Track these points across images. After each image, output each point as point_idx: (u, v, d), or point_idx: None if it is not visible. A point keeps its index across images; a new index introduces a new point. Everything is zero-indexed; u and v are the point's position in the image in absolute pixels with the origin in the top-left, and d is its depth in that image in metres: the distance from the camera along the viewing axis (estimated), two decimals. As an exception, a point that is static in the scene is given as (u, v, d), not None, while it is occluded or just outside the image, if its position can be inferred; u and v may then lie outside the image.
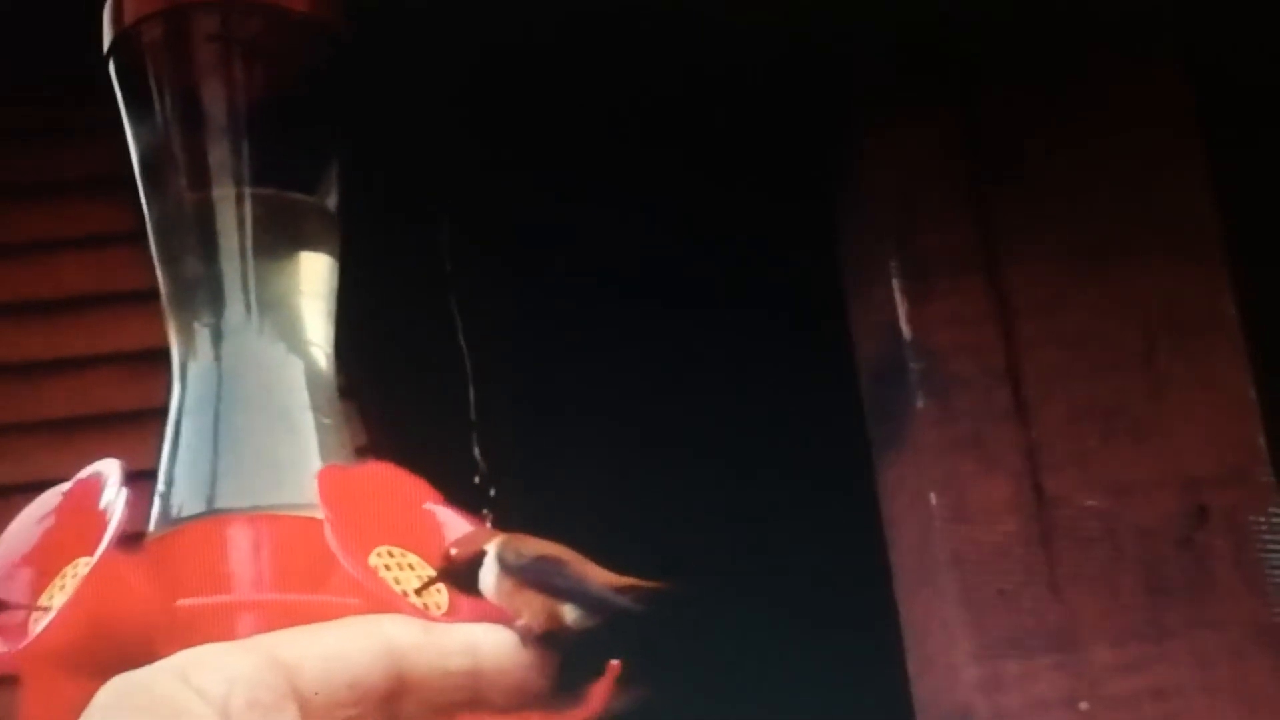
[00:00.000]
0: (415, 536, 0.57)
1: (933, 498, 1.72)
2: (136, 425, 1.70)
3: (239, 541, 0.57)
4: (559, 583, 0.51)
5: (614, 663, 0.51)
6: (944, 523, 1.71)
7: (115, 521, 0.53)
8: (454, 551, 0.54)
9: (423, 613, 0.53)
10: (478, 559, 0.53)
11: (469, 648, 0.46)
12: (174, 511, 0.58)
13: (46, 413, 2.04)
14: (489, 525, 0.58)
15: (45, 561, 0.55)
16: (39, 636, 0.53)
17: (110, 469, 0.56)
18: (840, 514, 2.25)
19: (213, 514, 0.58)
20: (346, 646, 0.43)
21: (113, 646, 0.44)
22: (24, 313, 2.08)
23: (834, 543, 2.40)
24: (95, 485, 0.56)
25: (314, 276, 0.62)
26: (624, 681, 0.51)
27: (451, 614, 0.54)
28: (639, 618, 0.51)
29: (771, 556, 2.59)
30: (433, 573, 0.55)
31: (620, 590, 0.51)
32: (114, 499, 0.54)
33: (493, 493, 1.96)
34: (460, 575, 0.54)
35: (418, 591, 0.55)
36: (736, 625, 2.52)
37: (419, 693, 0.44)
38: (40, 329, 2.07)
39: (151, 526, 0.58)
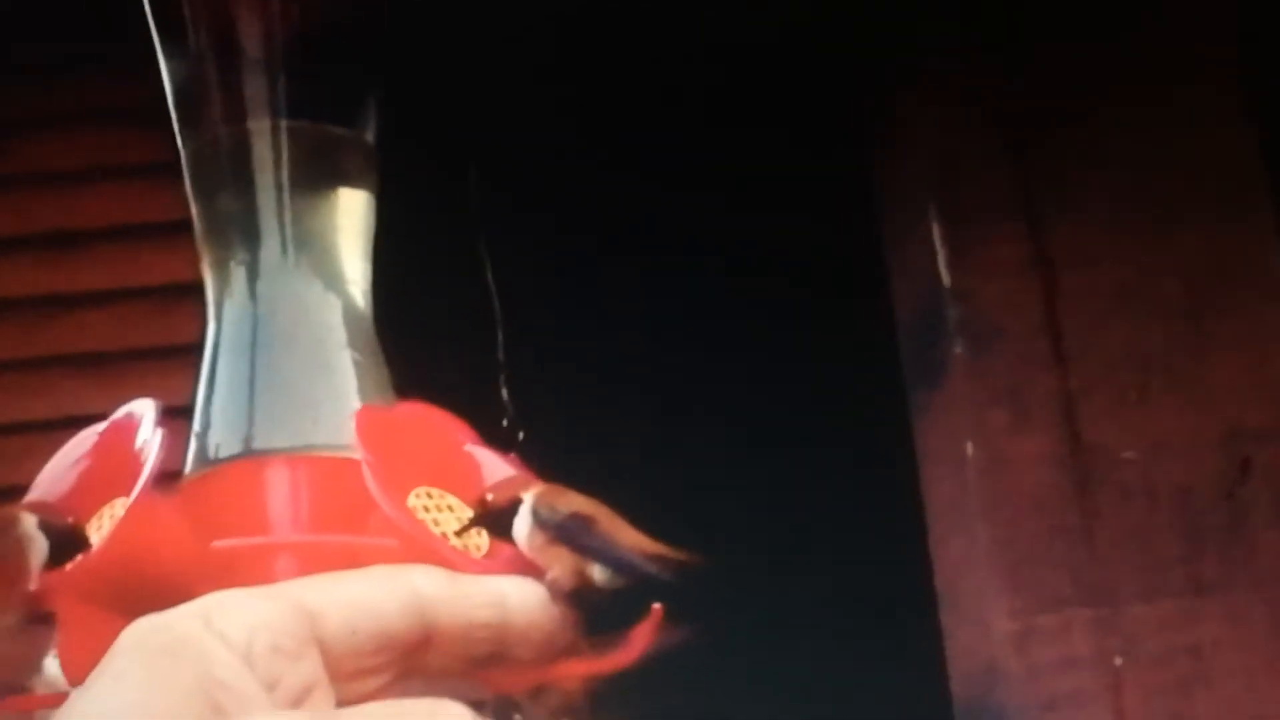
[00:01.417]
0: (454, 478, 0.56)
1: (969, 448, 1.72)
2: (170, 360, 1.70)
3: (277, 483, 0.57)
4: (588, 542, 0.51)
5: (657, 606, 0.51)
6: (979, 473, 1.71)
7: (151, 462, 0.53)
8: (491, 497, 0.54)
9: (462, 554, 0.53)
10: (514, 507, 0.53)
11: (496, 600, 0.46)
12: (211, 452, 0.58)
13: (78, 348, 2.05)
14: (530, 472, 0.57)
15: (82, 503, 0.55)
16: (74, 576, 0.53)
17: (145, 409, 0.56)
18: (875, 465, 2.25)
19: (250, 455, 0.57)
20: (372, 595, 0.43)
21: (148, 587, 0.44)
22: (54, 246, 2.08)
23: (868, 495, 2.40)
24: (130, 425, 0.56)
25: (352, 212, 0.62)
26: (668, 625, 0.51)
27: (491, 558, 0.54)
28: (668, 584, 0.51)
29: (804, 508, 2.59)
30: (472, 515, 0.55)
31: (649, 557, 0.51)
32: (149, 439, 0.54)
33: (521, 436, 1.96)
34: (496, 521, 0.54)
35: (457, 533, 0.55)
36: (768, 577, 2.52)
37: (444, 644, 0.44)
38: (71, 262, 2.07)
39: (188, 467, 0.58)
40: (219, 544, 0.54)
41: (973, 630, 1.71)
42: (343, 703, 0.40)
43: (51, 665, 0.54)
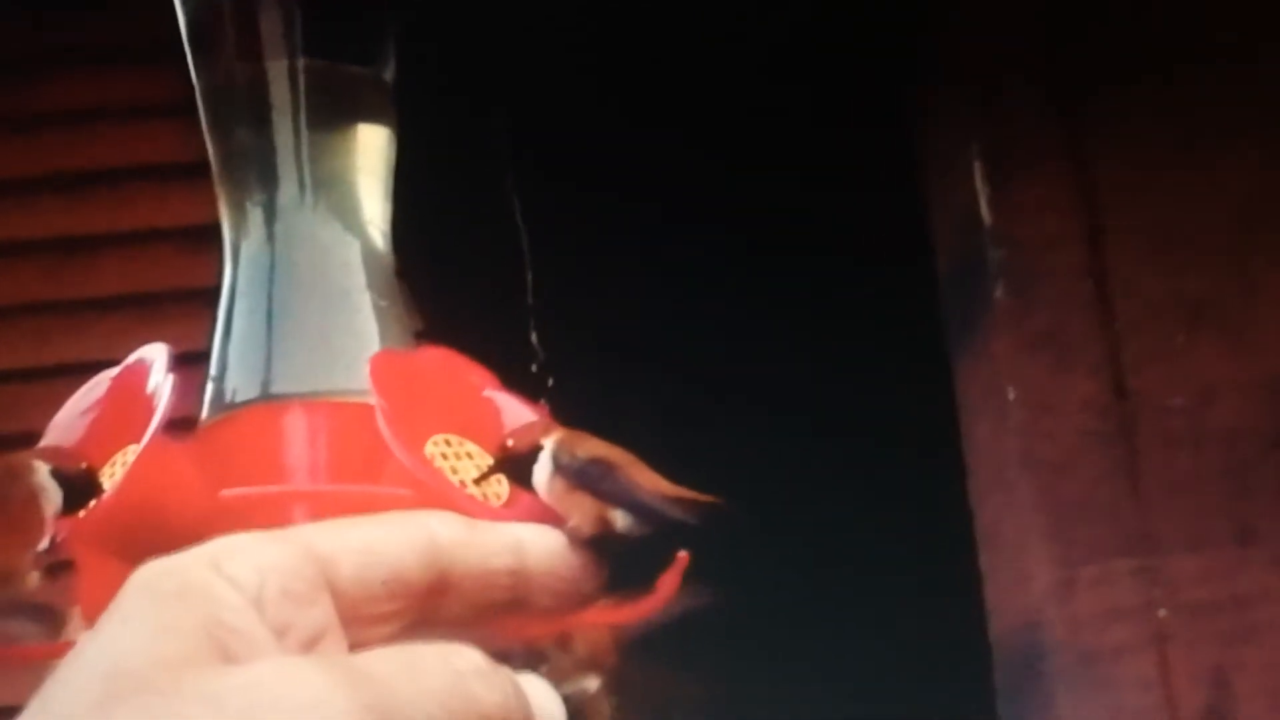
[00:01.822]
0: (474, 424, 0.56)
1: (1010, 393, 1.71)
2: (192, 304, 1.71)
3: (294, 428, 0.57)
4: (608, 488, 0.52)
5: (682, 554, 0.51)
6: (1021, 420, 1.70)
7: (162, 407, 0.53)
8: (511, 443, 0.54)
9: (480, 503, 0.53)
10: (534, 453, 0.53)
11: (514, 547, 0.46)
12: (227, 397, 0.58)
13: (97, 292, 2.06)
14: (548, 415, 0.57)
15: (95, 450, 0.55)
16: (85, 522, 0.53)
17: (157, 354, 0.56)
18: (913, 411, 2.24)
19: (267, 399, 0.58)
20: (386, 540, 0.43)
21: (159, 534, 0.44)
22: (72, 187, 2.08)
23: (906, 441, 2.40)
24: (142, 371, 0.56)
25: (370, 152, 0.62)
26: (698, 580, 0.51)
27: (510, 506, 0.54)
28: (693, 529, 0.51)
29: (841, 456, 2.59)
30: (491, 462, 0.55)
31: (672, 501, 0.51)
32: (161, 384, 0.54)
33: (551, 381, 1.97)
34: (516, 468, 0.54)
35: (476, 481, 0.55)
36: (801, 525, 2.52)
37: (461, 591, 0.44)
38: (89, 205, 2.07)
39: (204, 412, 0.58)
40: (227, 493, 0.54)
41: (1014, 581, 1.71)
42: (355, 649, 0.40)
43: (70, 620, 0.54)
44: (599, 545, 0.50)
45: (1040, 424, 1.70)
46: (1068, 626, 1.64)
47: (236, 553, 0.40)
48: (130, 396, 0.55)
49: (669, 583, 0.51)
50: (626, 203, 2.40)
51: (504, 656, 0.41)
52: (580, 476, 0.52)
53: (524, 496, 0.54)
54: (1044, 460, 1.69)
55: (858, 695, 2.64)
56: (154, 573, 0.40)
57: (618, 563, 0.51)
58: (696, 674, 2.60)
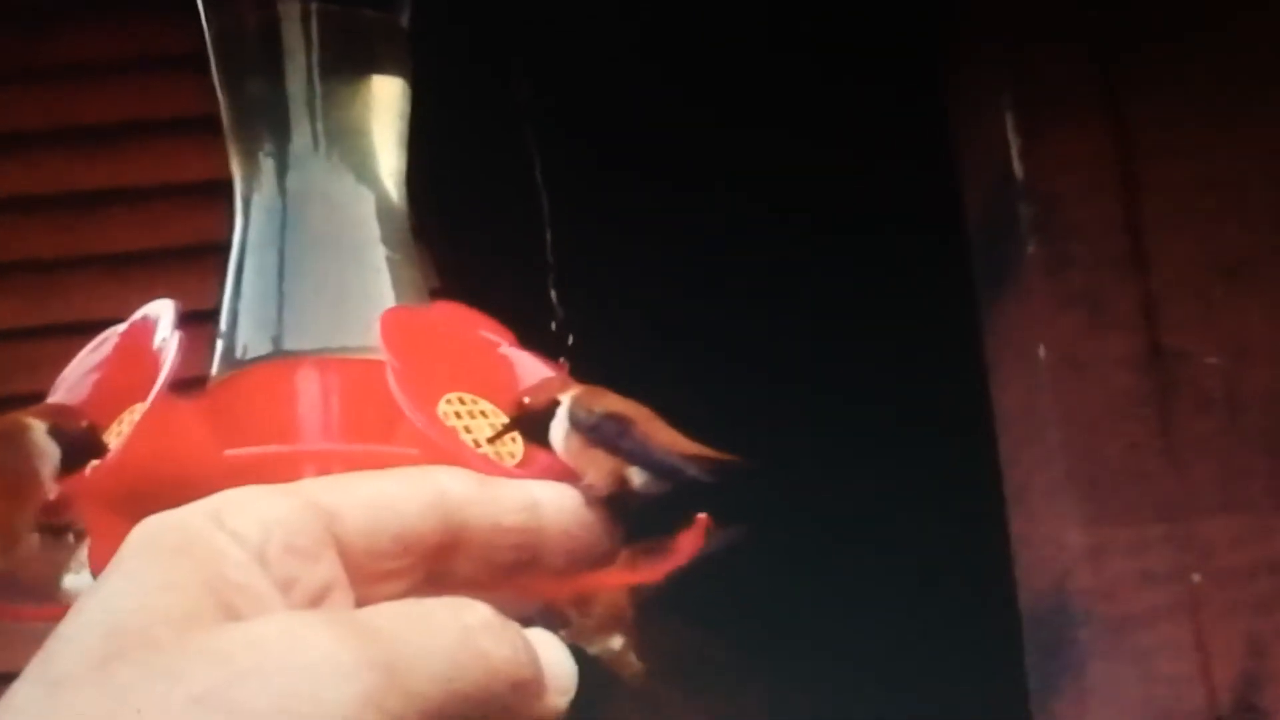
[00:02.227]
0: (488, 382, 0.56)
1: (1041, 351, 1.70)
2: (203, 260, 1.71)
3: (305, 386, 0.57)
4: (625, 445, 0.51)
5: (701, 516, 0.51)
6: (1053, 379, 1.70)
7: (168, 364, 0.53)
8: (527, 400, 0.54)
9: (494, 463, 0.53)
10: (550, 411, 0.53)
11: (529, 505, 0.46)
12: (238, 353, 0.58)
13: (107, 248, 2.06)
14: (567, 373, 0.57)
15: (100, 408, 0.55)
16: (88, 482, 0.53)
17: (163, 310, 0.56)
18: (942, 369, 2.24)
19: (278, 356, 0.58)
20: (394, 495, 0.43)
21: (166, 493, 0.44)
22: (78, 142, 2.08)
23: (934, 400, 2.40)
24: (148, 328, 0.56)
25: (386, 102, 0.62)
26: (715, 534, 0.51)
27: (525, 466, 0.54)
28: (712, 487, 0.51)
29: (865, 415, 2.59)
30: (506, 421, 0.55)
31: (691, 459, 0.51)
32: (167, 340, 0.54)
33: (571, 340, 1.97)
34: (532, 427, 0.54)
35: (490, 440, 0.55)
36: (825, 485, 2.52)
37: (472, 549, 0.44)
38: (95, 159, 2.07)
39: (214, 369, 0.58)
40: (231, 453, 0.54)
41: (1044, 543, 1.71)
42: (363, 606, 0.40)
43: (71, 580, 0.54)
44: (616, 504, 0.49)
45: (1072, 383, 1.69)
46: (1099, 590, 1.64)
47: (240, 506, 0.40)
48: (137, 354, 0.55)
49: (688, 543, 0.50)
50: (649, 157, 2.39)
51: (525, 621, 0.41)
52: (596, 433, 0.52)
53: (540, 457, 0.54)
54: (1076, 420, 1.69)
55: (881, 659, 2.65)
56: (155, 527, 0.40)
57: (636, 520, 0.51)
58: (719, 635, 2.61)
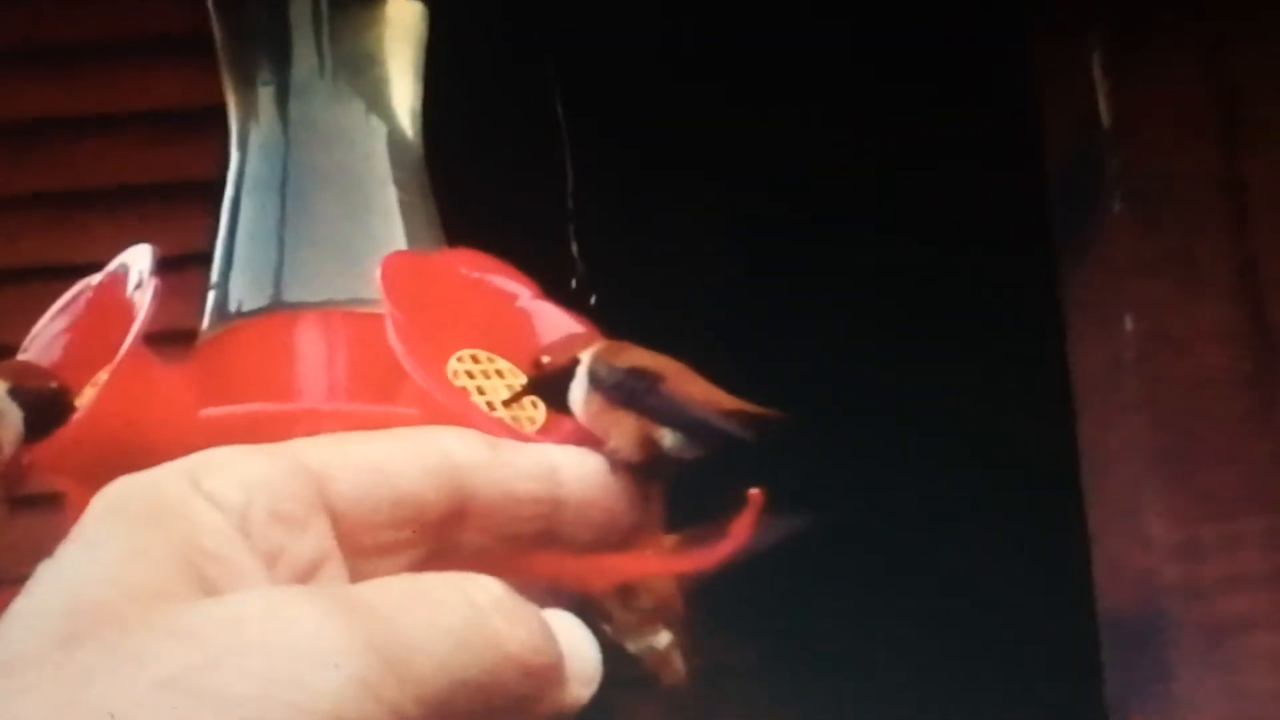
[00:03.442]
0: (506, 338, 0.56)
1: (1128, 322, 1.70)
2: (184, 199, 1.71)
3: (307, 341, 0.57)
4: (653, 402, 0.51)
5: (755, 491, 0.51)
6: (1140, 353, 1.70)
7: (141, 315, 0.53)
8: (546, 359, 0.54)
9: (509, 429, 0.53)
10: (572, 369, 0.53)
11: (546, 472, 0.46)
12: (231, 306, 0.59)
13: (77, 182, 2.06)
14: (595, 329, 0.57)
15: (72, 371, 0.55)
16: (51, 448, 0.53)
17: (137, 257, 0.56)
18: (1015, 340, 2.23)
19: (277, 308, 0.58)
20: (394, 458, 0.43)
21: (139, 461, 0.44)
22: (38, 60, 2.08)
23: (1005, 374, 2.39)
24: (124, 278, 0.56)
25: (401, 26, 0.62)
26: (773, 512, 0.50)
27: (546, 433, 0.54)
28: (754, 449, 0.51)
29: (920, 385, 2.58)
30: (524, 381, 0.55)
31: (728, 415, 0.51)
32: (143, 289, 0.55)
33: (593, 299, 1.97)
34: (553, 389, 0.53)
35: (505, 404, 0.55)
36: (887, 470, 2.53)
37: (482, 520, 0.44)
38: (64, 82, 2.07)
39: (204, 323, 0.59)
40: (208, 412, 0.54)
41: (1126, 539, 1.71)
42: (358, 582, 0.40)
43: None
44: (648, 473, 0.49)
45: (1162, 358, 1.69)
46: (1187, 592, 1.64)
47: (218, 467, 0.40)
48: (111, 307, 0.55)
49: (743, 526, 0.50)
50: (680, 95, 2.39)
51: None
52: (620, 390, 0.51)
53: (564, 424, 0.54)
54: (1165, 400, 1.69)
55: (941, 666, 2.65)
56: (122, 491, 0.39)
57: (683, 503, 0.51)
58: (752, 631, 2.61)
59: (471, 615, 0.39)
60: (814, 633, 2.64)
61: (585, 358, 0.53)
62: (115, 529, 0.39)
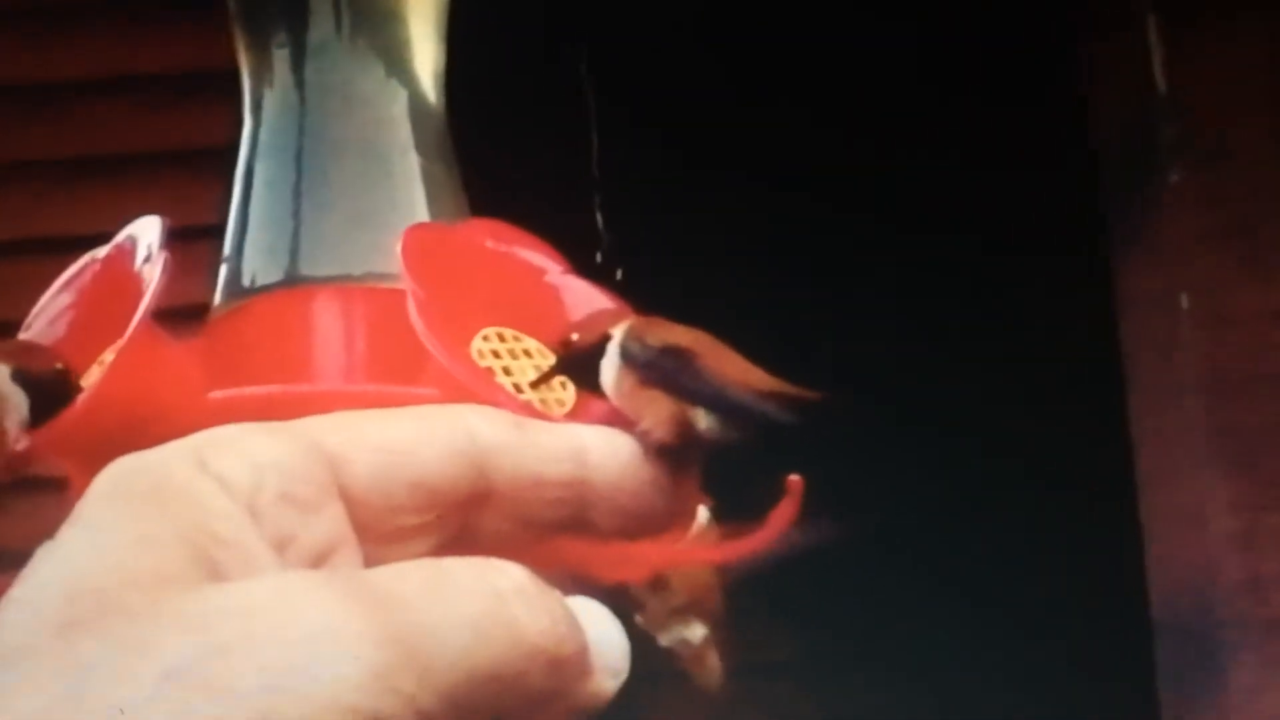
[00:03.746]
0: (534, 315, 0.56)
1: (1184, 301, 1.70)
2: (194, 167, 1.71)
3: (324, 318, 0.57)
4: (687, 381, 0.51)
5: (794, 478, 0.51)
6: (1198, 334, 1.69)
7: (150, 291, 0.53)
8: (575, 337, 0.54)
9: (537, 412, 0.53)
10: (602, 348, 0.53)
11: (574, 453, 0.46)
12: (245, 280, 0.59)
13: (79, 149, 2.06)
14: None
15: (77, 350, 0.56)
16: (54, 432, 0.53)
17: (146, 229, 0.56)
18: (1064, 318, 2.23)
19: (293, 283, 0.58)
20: (413, 438, 0.42)
21: (146, 445, 0.44)
22: (37, 20, 2.08)
23: (1054, 354, 2.39)
24: (128, 253, 0.56)
25: (423, -19, 0.62)
26: (813, 507, 0.50)
27: (576, 417, 0.54)
28: (793, 432, 0.50)
29: (963, 373, 2.58)
30: (553, 361, 0.55)
31: (765, 395, 0.50)
32: (151, 263, 0.54)
33: (620, 274, 1.97)
34: (583, 369, 0.53)
35: (533, 385, 0.55)
36: (930, 460, 2.52)
37: (505, 503, 0.44)
38: (64, 43, 2.07)
39: (216, 299, 0.59)
40: (217, 394, 0.54)
41: (1182, 529, 1.71)
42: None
43: None
44: (680, 455, 0.49)
45: (1221, 338, 1.69)
46: (1248, 586, 1.64)
47: (227, 447, 0.40)
48: (119, 282, 0.55)
49: (782, 515, 0.50)
50: (716, 60, 2.39)
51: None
52: (652, 369, 0.51)
53: (595, 407, 0.53)
54: (1224, 382, 1.68)
55: (986, 663, 2.65)
56: (125, 471, 0.39)
57: (721, 490, 0.51)
58: (790, 624, 2.62)
59: (493, 603, 0.39)
60: (853, 631, 2.64)
61: (617, 334, 0.53)
62: (118, 511, 0.38)
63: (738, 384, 0.51)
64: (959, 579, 2.63)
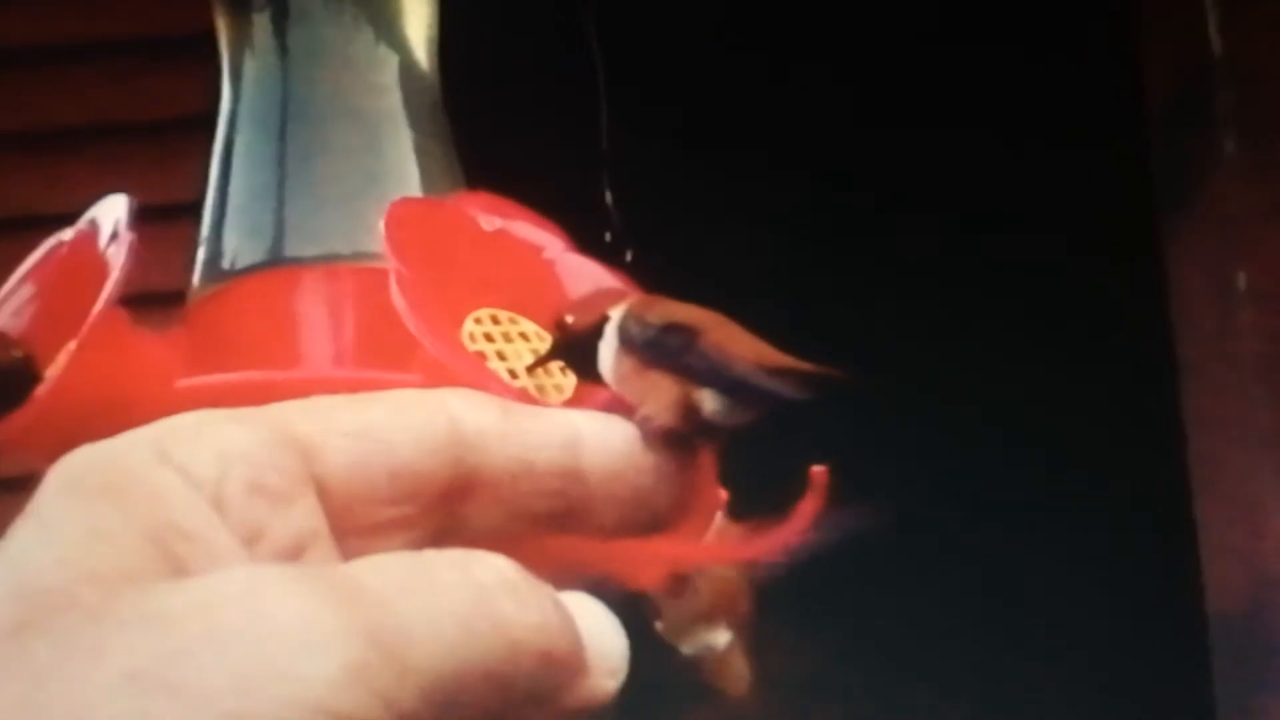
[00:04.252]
0: (531, 295, 0.56)
1: (1241, 280, 1.70)
2: (167, 141, 1.71)
3: (310, 301, 0.57)
4: (691, 361, 0.50)
5: (818, 469, 0.51)
6: (1254, 314, 1.69)
7: (115, 274, 0.53)
8: (570, 319, 0.54)
9: (532, 399, 0.54)
10: (600, 328, 0.52)
11: (566, 440, 0.45)
12: (225, 262, 0.59)
13: (46, 119, 2.06)
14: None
15: (42, 338, 0.56)
16: (14, 425, 0.53)
17: (111, 208, 0.56)
18: (1110, 298, 2.23)
19: (276, 264, 0.58)
20: (391, 424, 0.42)
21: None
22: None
23: (1100, 338, 2.39)
24: (94, 236, 0.56)
25: (414, -61, 0.62)
26: (841, 500, 0.50)
27: (577, 403, 0.54)
28: (810, 411, 0.50)
29: (1005, 356, 2.58)
30: (550, 344, 0.55)
31: (777, 372, 0.50)
32: (118, 244, 0.54)
33: (630, 255, 1.97)
34: (579, 351, 0.53)
35: (529, 370, 0.55)
36: (967, 449, 2.52)
37: (492, 494, 0.44)
38: (30, 7, 2.07)
39: (194, 282, 0.59)
40: (184, 383, 0.54)
41: (1237, 527, 1.71)
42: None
43: None
44: (687, 442, 0.49)
45: (1280, 320, 1.69)
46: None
47: (190, 436, 0.40)
48: (83, 265, 0.55)
49: (808, 508, 0.50)
50: (733, 24, 2.39)
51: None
52: (653, 349, 0.51)
53: (595, 394, 0.53)
54: (1284, 369, 1.69)
55: (1034, 670, 2.65)
56: (80, 463, 0.39)
57: (743, 484, 0.51)
58: (810, 633, 2.62)
59: (477, 597, 0.38)
60: (886, 638, 2.64)
61: (615, 315, 0.52)
62: (72, 506, 0.38)
63: (746, 361, 0.50)
64: (1001, 578, 2.63)
